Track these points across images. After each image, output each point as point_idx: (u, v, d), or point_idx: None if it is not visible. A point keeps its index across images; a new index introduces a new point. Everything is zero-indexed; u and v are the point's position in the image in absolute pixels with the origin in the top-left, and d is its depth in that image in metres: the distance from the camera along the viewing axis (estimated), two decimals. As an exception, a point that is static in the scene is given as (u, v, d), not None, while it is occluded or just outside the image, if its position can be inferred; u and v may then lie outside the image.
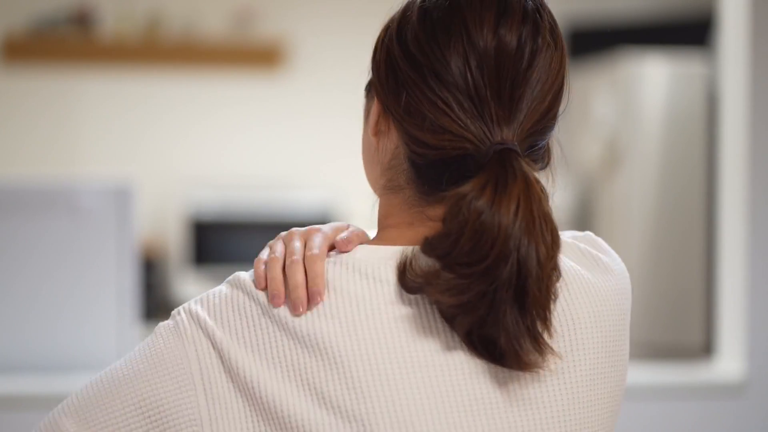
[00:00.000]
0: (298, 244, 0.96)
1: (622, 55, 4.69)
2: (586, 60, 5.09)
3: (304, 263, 0.94)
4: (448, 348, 0.92)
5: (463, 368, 0.92)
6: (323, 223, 1.02)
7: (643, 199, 4.56)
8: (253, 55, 5.22)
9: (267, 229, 5.21)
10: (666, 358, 4.19)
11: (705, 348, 4.25)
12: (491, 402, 0.92)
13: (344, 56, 5.30)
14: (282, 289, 0.93)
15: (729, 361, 2.60)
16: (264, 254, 0.98)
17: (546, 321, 0.90)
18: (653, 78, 4.56)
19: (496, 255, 0.87)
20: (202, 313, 0.93)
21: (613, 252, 1.04)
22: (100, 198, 2.35)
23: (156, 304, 4.79)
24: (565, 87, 0.99)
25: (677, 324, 4.52)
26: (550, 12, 0.99)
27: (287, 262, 0.95)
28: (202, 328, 0.92)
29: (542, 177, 0.98)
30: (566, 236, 1.02)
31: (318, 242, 0.96)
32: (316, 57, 5.29)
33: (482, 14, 0.94)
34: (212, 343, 0.92)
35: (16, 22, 5.10)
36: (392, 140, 0.98)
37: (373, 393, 0.90)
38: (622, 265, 1.04)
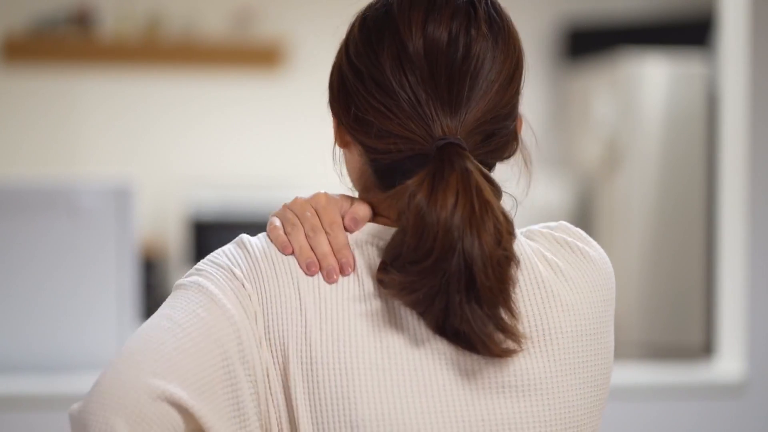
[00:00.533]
0: (310, 214, 0.98)
1: (622, 55, 4.69)
2: (586, 60, 5.09)
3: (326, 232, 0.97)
4: (418, 341, 0.93)
5: (434, 360, 0.93)
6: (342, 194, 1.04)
7: (643, 199, 4.56)
8: (253, 55, 5.22)
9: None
10: (666, 358, 4.19)
11: (705, 348, 4.25)
12: (466, 390, 0.93)
13: (344, 56, 5.30)
14: (314, 257, 0.95)
15: (729, 361, 2.60)
16: (276, 222, 0.99)
17: (506, 306, 0.91)
18: (653, 78, 4.56)
19: (440, 249, 0.89)
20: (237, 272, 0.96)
21: (591, 240, 1.04)
22: (100, 198, 2.35)
23: (156, 304, 4.77)
24: (518, 74, 1.01)
25: (677, 324, 4.52)
26: (490, 3, 0.99)
27: (309, 233, 0.97)
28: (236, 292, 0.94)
29: (509, 166, 1.01)
30: (539, 227, 1.03)
31: (334, 213, 0.99)
32: (316, 57, 5.29)
33: (410, 15, 0.96)
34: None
35: (16, 22, 5.10)
36: (355, 150, 1.01)
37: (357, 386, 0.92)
38: (602, 251, 1.04)
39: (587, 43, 5.18)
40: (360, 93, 0.97)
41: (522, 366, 0.94)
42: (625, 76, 4.60)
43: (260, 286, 0.94)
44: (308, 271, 0.94)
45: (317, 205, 0.99)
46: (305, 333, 0.92)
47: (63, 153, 5.17)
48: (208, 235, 5.02)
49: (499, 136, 0.98)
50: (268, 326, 0.92)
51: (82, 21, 5.10)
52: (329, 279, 0.94)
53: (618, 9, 5.34)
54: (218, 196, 5.06)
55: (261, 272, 0.95)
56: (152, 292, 4.73)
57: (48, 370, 2.33)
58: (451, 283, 0.89)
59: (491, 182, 0.93)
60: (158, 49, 5.19)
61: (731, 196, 2.61)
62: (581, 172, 4.97)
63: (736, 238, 2.58)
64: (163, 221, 5.19)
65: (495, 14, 0.98)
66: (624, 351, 4.42)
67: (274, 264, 0.96)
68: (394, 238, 0.92)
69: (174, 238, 5.15)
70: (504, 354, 0.92)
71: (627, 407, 2.52)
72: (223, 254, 0.99)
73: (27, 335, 2.34)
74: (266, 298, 0.94)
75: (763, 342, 2.56)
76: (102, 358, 2.31)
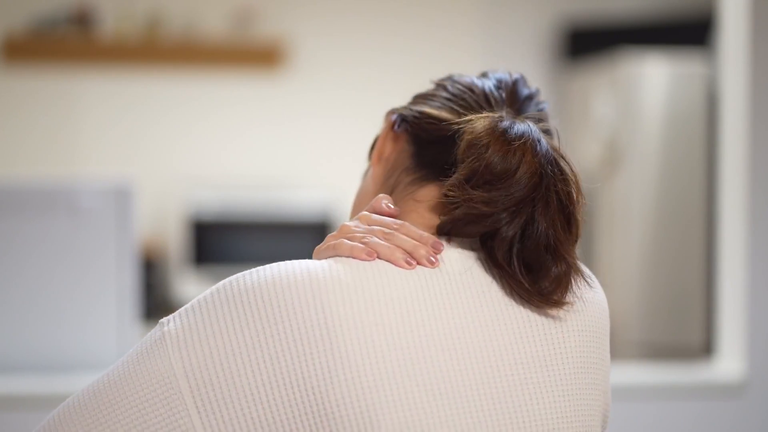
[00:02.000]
0: (374, 222, 0.99)
1: (622, 55, 4.69)
2: (586, 60, 5.09)
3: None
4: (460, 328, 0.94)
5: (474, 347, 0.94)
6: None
7: (643, 199, 4.56)
8: (253, 55, 5.22)
9: (267, 229, 5.21)
10: (666, 358, 4.19)
11: (705, 348, 4.25)
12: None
13: (344, 56, 5.30)
14: (403, 254, 0.95)
15: (729, 361, 2.60)
16: (341, 240, 0.97)
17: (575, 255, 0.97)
18: (653, 78, 4.56)
19: (529, 166, 0.94)
20: None
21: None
22: (100, 198, 2.35)
23: (156, 304, 4.79)
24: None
25: (677, 324, 4.52)
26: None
27: (385, 236, 0.96)
28: None
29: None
30: None
31: (386, 219, 1.00)
32: (316, 57, 5.29)
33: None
34: None
35: (16, 22, 5.10)
36: (395, 153, 1.06)
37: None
38: (599, 285, 1.08)
39: (587, 43, 5.18)
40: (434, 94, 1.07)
41: (550, 365, 0.96)
42: (625, 76, 4.60)
43: None
44: (409, 266, 0.94)
45: (373, 212, 1.01)
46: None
47: (63, 153, 5.17)
48: (208, 235, 5.02)
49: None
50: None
51: (82, 21, 5.10)
52: (431, 265, 0.94)
53: (618, 9, 5.34)
54: (218, 196, 5.06)
55: None
56: (152, 292, 4.74)
57: (48, 370, 2.33)
58: (540, 196, 0.94)
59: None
60: (158, 49, 5.19)
61: (731, 196, 2.61)
62: (581, 172, 4.96)
63: (736, 238, 2.58)
64: (163, 221, 5.19)
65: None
66: (624, 351, 4.41)
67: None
68: (470, 158, 0.95)
69: (174, 238, 5.16)
70: (558, 302, 0.95)
71: (627, 407, 2.52)
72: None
73: (27, 335, 2.34)
74: None
75: (763, 342, 2.56)
76: (102, 358, 2.31)
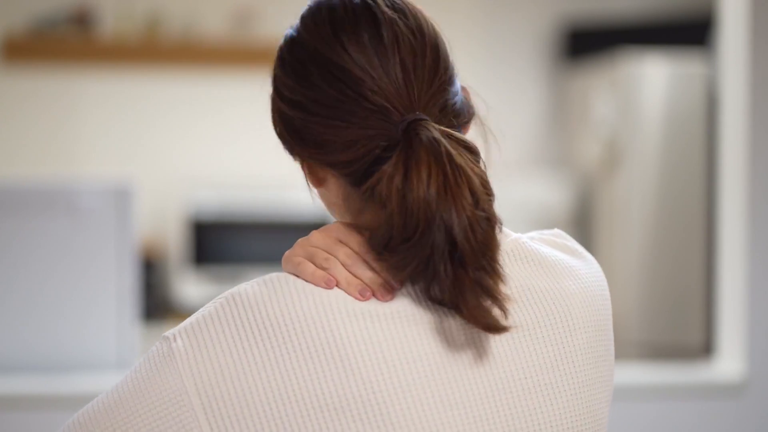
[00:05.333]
0: (339, 245, 0.97)
1: (622, 55, 4.69)
2: (586, 60, 5.09)
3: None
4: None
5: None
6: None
7: (643, 199, 4.56)
8: (253, 55, 5.22)
9: (267, 229, 5.21)
10: (666, 358, 4.19)
11: (705, 348, 4.25)
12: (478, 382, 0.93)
13: (344, 56, 5.29)
14: (363, 283, 0.93)
15: (729, 361, 2.60)
16: (303, 261, 0.96)
17: (494, 272, 0.91)
18: (653, 78, 4.56)
19: (423, 222, 0.90)
20: None
21: (584, 249, 1.07)
22: (100, 198, 2.35)
23: (156, 304, 4.79)
24: (440, 43, 1.00)
25: (677, 324, 4.52)
26: None
27: (347, 261, 0.95)
28: None
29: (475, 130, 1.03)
30: (533, 234, 1.04)
31: (358, 240, 0.97)
32: (316, 57, 5.29)
33: (327, 42, 0.99)
34: None
35: (16, 22, 5.10)
36: (331, 179, 1.01)
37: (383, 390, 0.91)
38: (593, 259, 1.07)
39: (587, 43, 5.18)
40: (308, 120, 0.97)
41: (550, 366, 0.95)
42: (625, 76, 4.60)
43: None
44: (363, 297, 0.92)
45: (339, 233, 0.98)
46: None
47: (63, 153, 5.17)
48: (208, 235, 5.02)
49: (452, 102, 0.98)
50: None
51: (82, 21, 5.10)
52: (384, 298, 0.93)
53: (618, 9, 5.34)
54: (218, 196, 5.06)
55: None
56: (152, 292, 4.73)
57: (48, 370, 2.33)
58: (436, 252, 0.89)
59: (463, 144, 0.94)
60: (158, 49, 5.19)
61: (731, 196, 2.61)
62: (581, 172, 4.97)
63: (736, 238, 2.58)
64: (163, 221, 5.19)
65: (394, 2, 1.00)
66: (624, 351, 4.41)
67: None
68: (382, 224, 0.92)
69: (174, 238, 5.15)
70: (492, 328, 0.91)
71: (627, 407, 2.52)
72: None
73: (27, 335, 2.34)
74: None
75: (763, 342, 2.56)
76: (102, 358, 2.31)
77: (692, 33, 4.83)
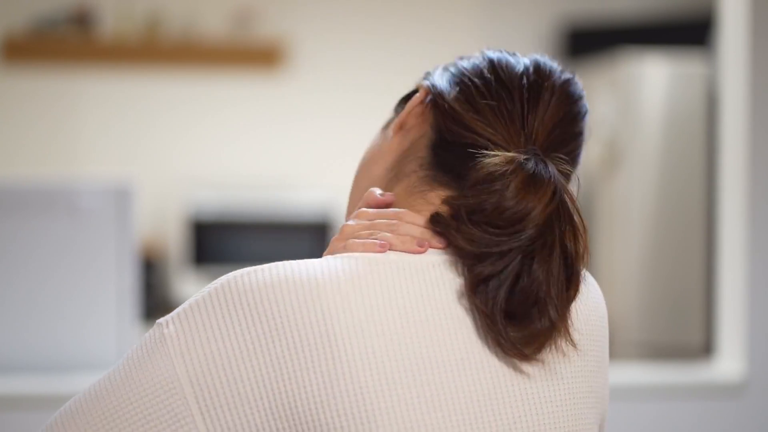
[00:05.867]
0: (375, 215, 0.98)
1: (622, 55, 4.69)
2: (586, 60, 5.09)
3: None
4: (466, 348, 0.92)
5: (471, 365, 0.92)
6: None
7: (643, 199, 4.56)
8: (253, 55, 5.22)
9: (267, 229, 5.21)
10: (666, 358, 4.19)
11: (705, 348, 4.25)
12: (496, 397, 0.92)
13: (344, 56, 5.30)
14: (414, 240, 0.94)
15: (729, 362, 2.60)
16: (350, 241, 0.96)
17: (567, 314, 0.92)
18: (653, 78, 4.56)
19: (541, 217, 0.90)
20: None
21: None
22: (100, 198, 2.35)
23: (156, 304, 4.79)
24: (576, 127, 1.04)
25: (677, 324, 4.52)
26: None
27: (390, 228, 0.95)
28: None
29: None
30: None
31: (389, 221, 0.98)
32: (316, 57, 5.29)
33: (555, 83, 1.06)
34: None
35: (16, 22, 5.10)
36: (417, 132, 1.02)
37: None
38: (593, 281, 1.06)
39: (587, 43, 5.18)
40: (481, 83, 1.01)
41: (555, 373, 0.95)
42: (625, 76, 4.60)
43: None
44: (422, 248, 0.93)
45: (368, 207, 0.99)
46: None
47: (63, 153, 5.17)
48: (208, 235, 5.02)
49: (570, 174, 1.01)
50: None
51: (82, 21, 5.10)
52: (441, 245, 0.93)
53: (618, 9, 5.34)
54: (218, 196, 5.06)
55: None
56: (152, 292, 4.74)
57: (48, 370, 2.33)
58: (539, 248, 0.90)
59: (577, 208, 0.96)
60: (158, 49, 5.19)
61: (731, 196, 2.61)
62: (581, 172, 4.96)
63: (736, 238, 2.58)
64: (163, 221, 5.19)
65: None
66: (624, 351, 4.41)
67: None
68: (481, 194, 0.92)
69: (174, 238, 5.15)
70: (527, 357, 0.91)
71: (627, 407, 2.52)
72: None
73: (27, 335, 2.34)
74: None
75: (763, 342, 2.56)
76: (102, 358, 2.31)
77: (692, 33, 4.83)
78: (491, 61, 1.04)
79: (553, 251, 0.90)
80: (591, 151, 4.84)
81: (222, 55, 5.23)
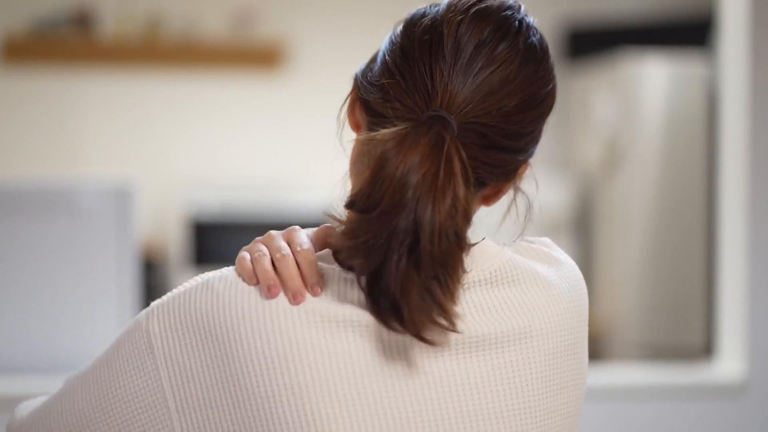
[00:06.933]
0: (282, 243, 0.95)
1: (622, 56, 4.69)
2: (586, 60, 5.09)
3: (295, 258, 0.93)
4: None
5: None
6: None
7: (643, 199, 4.56)
8: (253, 55, 5.22)
9: (267, 229, 5.17)
10: (666, 359, 4.19)
11: (705, 349, 4.25)
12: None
13: (344, 57, 5.30)
14: (277, 279, 0.91)
15: (729, 362, 2.60)
16: (245, 255, 0.95)
17: (447, 289, 0.87)
18: (653, 78, 4.56)
19: (389, 202, 0.87)
20: None
21: (565, 254, 1.04)
22: (100, 198, 2.35)
23: (156, 304, 4.79)
24: (540, 107, 0.99)
25: (677, 325, 4.52)
26: (539, 33, 1.01)
27: (276, 257, 0.93)
28: None
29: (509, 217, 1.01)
30: (523, 245, 1.03)
31: (304, 239, 0.96)
32: (317, 58, 5.29)
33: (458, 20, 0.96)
34: None
35: (16, 22, 5.10)
36: (361, 119, 1.04)
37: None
38: (573, 263, 1.03)
39: (587, 43, 5.18)
40: (384, 60, 0.98)
41: (495, 369, 0.93)
42: (625, 76, 4.60)
43: None
44: (270, 293, 0.90)
45: (289, 235, 0.96)
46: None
47: (63, 153, 5.17)
48: (208, 235, 5.02)
49: (495, 153, 0.95)
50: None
51: (82, 21, 5.10)
52: (295, 301, 0.90)
53: (618, 9, 5.34)
54: (218, 197, 5.06)
55: None
56: (152, 293, 4.73)
57: (48, 370, 2.33)
58: (394, 240, 0.86)
59: (464, 166, 0.90)
60: (158, 50, 5.19)
61: (731, 196, 2.61)
62: (581, 172, 4.97)
63: (736, 238, 2.58)
64: (163, 222, 5.19)
65: (538, 42, 1.00)
66: (624, 351, 4.41)
67: None
68: (355, 184, 0.92)
69: (174, 239, 5.16)
70: (430, 339, 0.88)
71: (627, 407, 2.52)
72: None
73: (27, 335, 2.34)
74: None
75: (763, 342, 2.56)
76: (102, 358, 2.30)
77: (692, 33, 4.84)
78: (403, 26, 1.01)
79: (405, 238, 0.87)
80: (591, 152, 4.84)
81: (222, 56, 5.23)
